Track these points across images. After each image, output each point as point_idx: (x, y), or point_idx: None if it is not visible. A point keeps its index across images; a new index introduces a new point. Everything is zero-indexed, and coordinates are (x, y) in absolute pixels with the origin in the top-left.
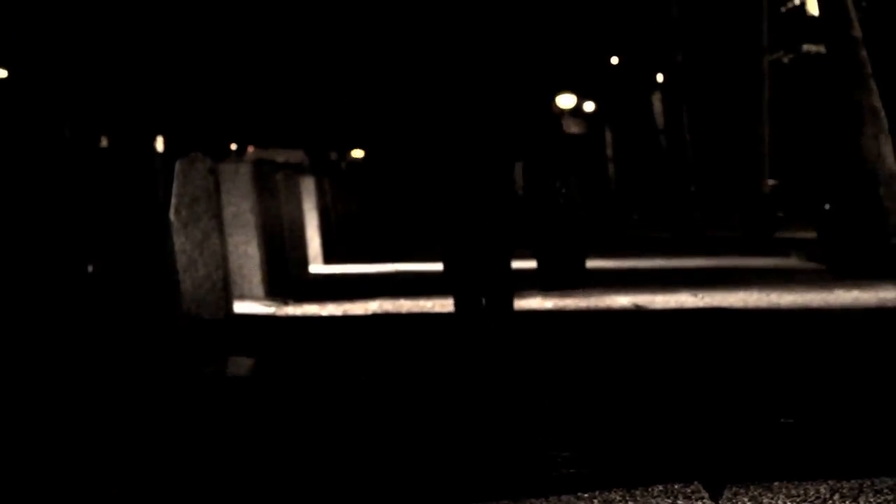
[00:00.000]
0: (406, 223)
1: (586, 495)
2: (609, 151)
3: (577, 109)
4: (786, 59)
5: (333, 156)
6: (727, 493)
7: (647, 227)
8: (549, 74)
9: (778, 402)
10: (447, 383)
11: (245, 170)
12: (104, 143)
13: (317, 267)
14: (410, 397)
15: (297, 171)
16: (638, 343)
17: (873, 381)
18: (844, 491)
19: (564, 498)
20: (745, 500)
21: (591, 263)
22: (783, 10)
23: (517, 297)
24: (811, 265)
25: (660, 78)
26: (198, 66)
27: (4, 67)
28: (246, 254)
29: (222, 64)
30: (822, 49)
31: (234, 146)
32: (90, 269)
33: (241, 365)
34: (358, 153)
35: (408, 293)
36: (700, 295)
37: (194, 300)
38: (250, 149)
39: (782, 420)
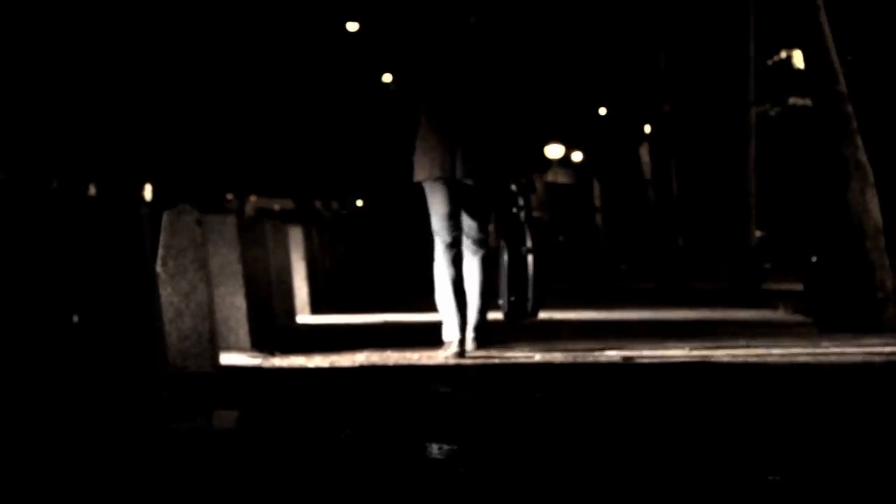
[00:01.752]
0: (394, 273)
1: None
2: (597, 201)
3: (565, 159)
4: (772, 112)
5: (334, 205)
6: None
7: (634, 277)
8: (529, 144)
9: (765, 459)
10: (433, 437)
11: (232, 220)
12: (92, 191)
13: (304, 317)
14: (395, 453)
15: (285, 219)
16: (626, 397)
17: (861, 438)
18: None
19: None
20: None
21: (580, 314)
22: (770, 63)
23: (506, 349)
24: (798, 318)
25: (647, 129)
26: (187, 116)
27: None
28: (233, 305)
29: (211, 113)
30: (808, 102)
31: (230, 196)
32: (75, 319)
33: (226, 418)
34: (341, 201)
35: (394, 344)
36: (688, 348)
37: (180, 352)
38: (252, 198)
39: (770, 478)
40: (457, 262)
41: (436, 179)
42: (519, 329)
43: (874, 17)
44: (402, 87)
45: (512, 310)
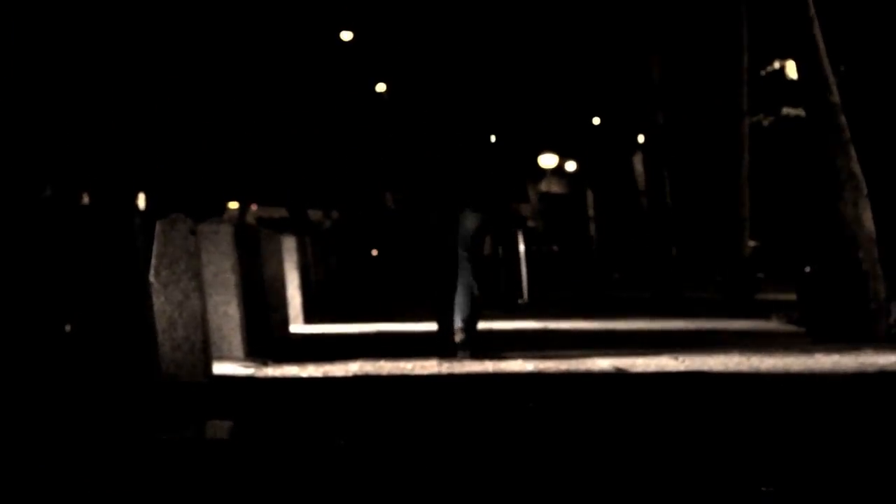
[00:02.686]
0: (388, 283)
1: None
2: (590, 211)
3: (559, 169)
4: (766, 122)
5: (334, 214)
6: None
7: (627, 287)
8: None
9: (759, 470)
10: (426, 448)
11: (226, 229)
12: (86, 200)
13: (298, 326)
14: (389, 463)
15: (279, 229)
16: (619, 408)
17: (854, 449)
18: None
19: None
20: None
21: (573, 324)
22: (763, 73)
23: (499, 359)
24: (791, 328)
25: (641, 139)
26: (181, 125)
27: None
28: (226, 314)
29: (206, 122)
30: (801, 112)
31: (235, 204)
32: (68, 328)
33: (218, 428)
34: (340, 210)
35: (388, 354)
36: (681, 358)
37: (173, 361)
38: (253, 206)
39: (763, 489)
40: (451, 274)
41: (440, 207)
42: (513, 338)
43: (867, 27)
44: (405, 107)
45: (507, 285)
